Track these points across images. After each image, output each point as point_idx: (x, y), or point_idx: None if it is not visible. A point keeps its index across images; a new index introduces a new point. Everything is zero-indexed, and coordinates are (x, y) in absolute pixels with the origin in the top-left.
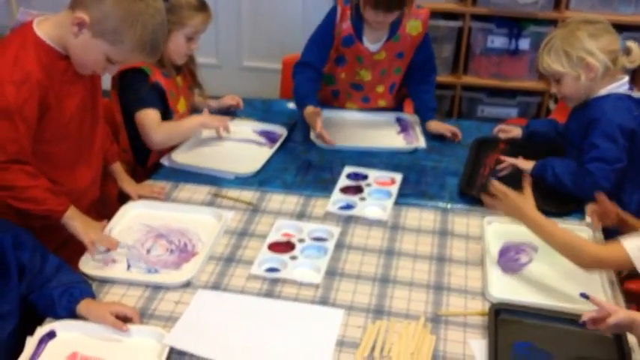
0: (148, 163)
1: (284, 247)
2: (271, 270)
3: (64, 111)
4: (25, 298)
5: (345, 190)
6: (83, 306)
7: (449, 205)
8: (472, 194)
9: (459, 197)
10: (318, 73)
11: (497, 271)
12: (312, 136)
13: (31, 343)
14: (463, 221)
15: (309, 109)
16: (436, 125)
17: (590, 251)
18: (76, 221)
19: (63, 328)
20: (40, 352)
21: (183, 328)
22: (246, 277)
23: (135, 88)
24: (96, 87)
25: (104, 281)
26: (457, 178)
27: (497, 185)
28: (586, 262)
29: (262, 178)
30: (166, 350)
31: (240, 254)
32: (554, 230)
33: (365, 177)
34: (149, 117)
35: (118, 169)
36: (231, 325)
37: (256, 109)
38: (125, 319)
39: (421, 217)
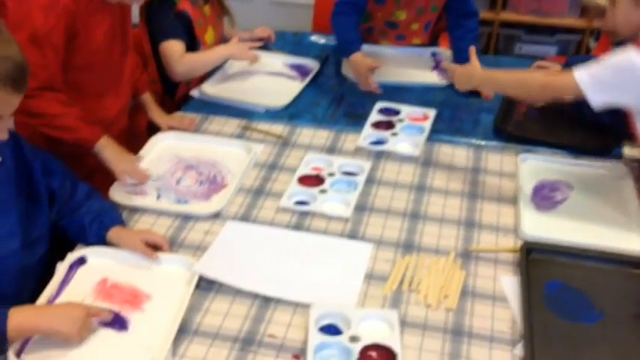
0: (177, 95)
1: (313, 180)
2: (300, 203)
3: (92, 38)
4: (56, 224)
5: (377, 125)
6: (113, 233)
7: (483, 142)
8: (507, 131)
9: (493, 134)
10: (361, 14)
11: (530, 208)
12: (344, 70)
13: (61, 268)
14: (497, 158)
15: (360, 60)
16: None
17: (536, 78)
18: (108, 151)
19: (93, 254)
20: (71, 278)
21: (212, 257)
22: (275, 210)
23: (160, 18)
24: (125, 16)
25: (134, 210)
26: (492, 114)
27: (446, 65)
28: (535, 90)
29: (293, 112)
30: (195, 278)
31: (269, 187)
32: (501, 74)
33: (397, 112)
34: (172, 48)
35: (147, 99)
36: (260, 256)
37: (288, 42)
38: (155, 247)
39: (454, 153)
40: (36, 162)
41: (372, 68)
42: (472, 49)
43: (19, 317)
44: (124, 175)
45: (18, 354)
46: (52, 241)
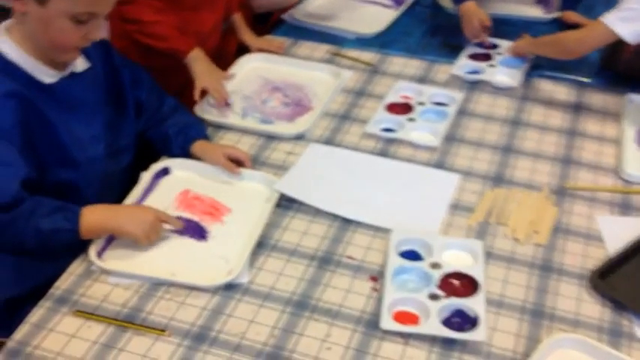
0: (268, 20)
1: (402, 108)
2: (387, 130)
3: None
4: (142, 134)
5: (474, 57)
6: (198, 146)
7: (587, 80)
8: (616, 69)
9: (599, 72)
10: None
11: (634, 149)
12: (441, 0)
13: (145, 177)
14: (601, 97)
15: (473, 10)
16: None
17: (570, 36)
18: (198, 63)
19: (177, 166)
20: (154, 187)
21: (294, 176)
22: (360, 136)
23: None
24: None
25: (219, 127)
26: (599, 52)
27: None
28: (571, 47)
29: (384, 40)
30: (275, 196)
31: (355, 112)
32: (542, 39)
33: (495, 46)
34: None
35: (238, 20)
36: (342, 179)
37: None
38: (238, 163)
39: (555, 89)
40: (125, 71)
41: (485, 26)
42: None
43: (90, 216)
44: (207, 89)
45: (99, 254)
46: (138, 151)
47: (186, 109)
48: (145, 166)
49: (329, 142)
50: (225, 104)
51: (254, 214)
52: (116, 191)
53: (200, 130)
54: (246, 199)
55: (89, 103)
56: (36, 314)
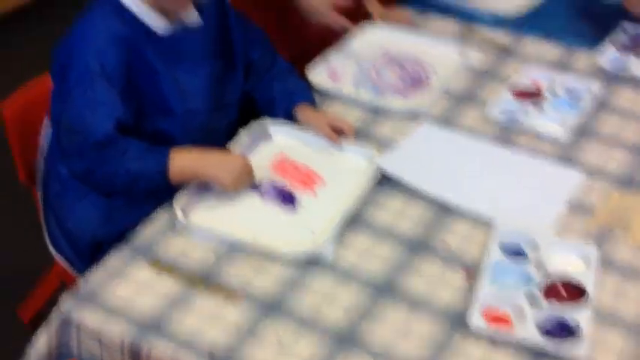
0: None
1: (530, 95)
2: (510, 116)
3: None
4: (248, 93)
5: (624, 47)
6: (302, 111)
7: None
8: None
9: None
10: None
11: None
12: None
13: (244, 136)
14: None
15: None
16: None
17: None
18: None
19: (277, 129)
20: (252, 147)
21: (398, 154)
22: (479, 119)
23: None
24: None
25: (328, 94)
26: None
27: None
28: None
29: (522, 21)
30: (374, 171)
31: (478, 94)
32: None
33: None
34: None
35: None
36: (450, 164)
37: None
38: (340, 134)
39: None
40: (238, 29)
41: None
42: None
43: (179, 159)
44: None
45: (183, 209)
46: (242, 110)
47: (296, 72)
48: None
49: (444, 122)
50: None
51: (348, 188)
52: (217, 147)
53: (307, 95)
54: (343, 172)
55: (197, 55)
56: (112, 259)
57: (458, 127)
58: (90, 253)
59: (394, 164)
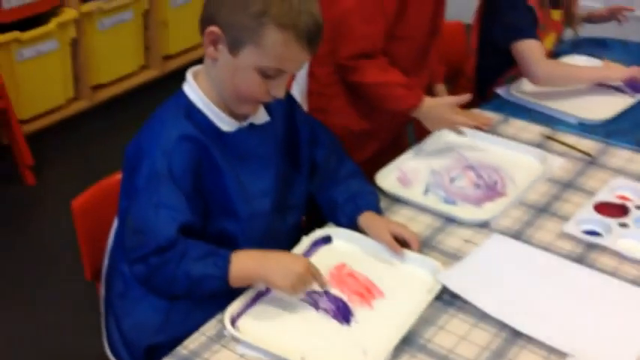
0: (487, 95)
1: (615, 210)
2: (591, 233)
3: (422, 9)
4: (313, 196)
5: None
6: (365, 218)
7: None
8: None
9: None
10: None
11: None
12: None
13: (305, 242)
14: None
15: None
16: None
17: None
18: (429, 115)
19: (339, 235)
20: (312, 254)
21: (465, 269)
22: (556, 234)
23: (511, 12)
24: None
25: (396, 200)
26: None
27: None
28: None
29: (611, 130)
30: (437, 287)
31: (556, 207)
32: None
33: None
34: (532, 48)
35: (441, 90)
36: (522, 283)
37: (631, 52)
38: (404, 244)
39: None
40: (304, 128)
41: None
42: None
43: (239, 263)
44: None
45: (234, 319)
46: (307, 211)
47: (363, 176)
48: (311, 228)
49: (517, 235)
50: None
51: (409, 305)
52: (279, 249)
53: (371, 200)
54: (405, 285)
55: (263, 156)
56: None
57: (532, 241)
58: (145, 358)
59: (459, 280)
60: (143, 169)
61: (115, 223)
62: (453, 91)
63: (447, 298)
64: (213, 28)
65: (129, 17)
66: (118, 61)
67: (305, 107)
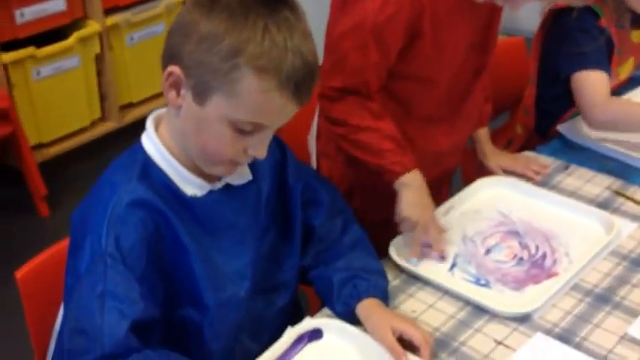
0: (548, 133)
1: None
2: None
3: (443, 44)
4: (305, 270)
5: None
6: (365, 308)
7: None
8: None
9: None
10: None
11: None
12: None
13: (288, 335)
14: None
15: None
16: None
17: None
18: (409, 192)
19: (331, 329)
20: (296, 352)
21: None
22: (619, 337)
23: (578, 35)
24: (493, 23)
25: (412, 278)
26: None
27: None
28: None
29: None
30: None
31: (623, 295)
32: None
33: None
34: (596, 83)
35: (482, 135)
36: None
37: None
38: (412, 347)
39: None
40: (297, 187)
41: None
42: None
43: None
44: (417, 236)
45: None
46: (298, 288)
47: (370, 248)
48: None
49: (565, 337)
50: (439, 256)
51: None
52: (265, 337)
53: (375, 284)
54: None
55: (241, 227)
56: None
57: (584, 346)
58: None
59: None
60: (86, 249)
61: (62, 309)
62: (507, 124)
63: None
64: (174, 68)
65: (160, 30)
66: (148, 78)
67: (313, 152)
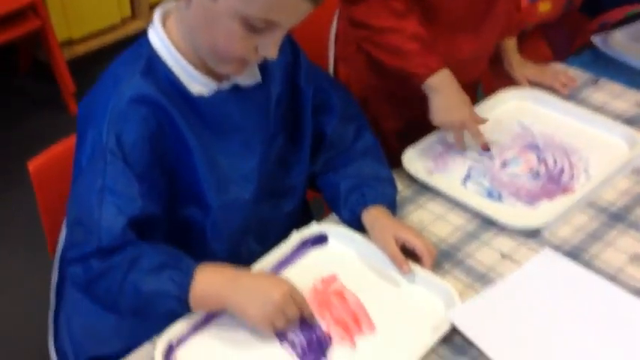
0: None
1: None
2: None
3: None
4: (314, 176)
5: None
6: (370, 215)
7: None
8: None
9: None
10: None
11: None
12: None
13: (294, 238)
14: None
15: None
16: None
17: None
18: (438, 96)
19: (336, 235)
20: (300, 256)
21: (493, 300)
22: (630, 255)
23: None
24: None
25: (424, 189)
26: None
27: None
28: None
29: None
30: (445, 326)
31: (639, 214)
32: None
33: None
34: None
35: (508, 45)
36: (573, 322)
37: None
38: (414, 256)
39: None
40: (309, 90)
41: None
42: None
43: (204, 283)
44: (460, 130)
45: (170, 352)
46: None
47: (382, 155)
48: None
49: (575, 253)
50: (485, 148)
51: (406, 346)
52: (271, 241)
53: (383, 192)
54: (405, 316)
55: (248, 130)
56: None
57: (595, 263)
58: None
59: (478, 318)
60: (87, 143)
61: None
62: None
63: (458, 342)
64: None
65: None
66: None
67: (331, 55)
